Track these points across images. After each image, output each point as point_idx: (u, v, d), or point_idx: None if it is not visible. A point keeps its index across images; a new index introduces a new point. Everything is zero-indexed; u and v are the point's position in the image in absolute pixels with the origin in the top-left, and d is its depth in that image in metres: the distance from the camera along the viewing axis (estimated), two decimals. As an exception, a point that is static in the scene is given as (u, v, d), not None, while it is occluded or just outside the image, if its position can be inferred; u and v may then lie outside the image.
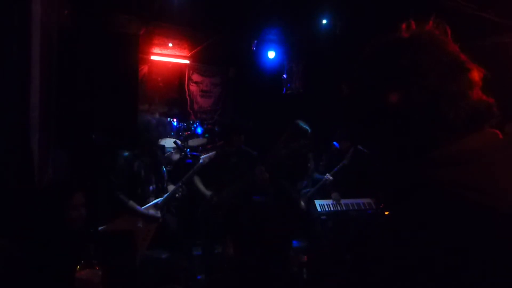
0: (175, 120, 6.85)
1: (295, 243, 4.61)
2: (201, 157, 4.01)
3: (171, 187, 3.86)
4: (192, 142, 6.49)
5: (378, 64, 0.94)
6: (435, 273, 0.70)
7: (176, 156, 5.54)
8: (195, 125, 6.89)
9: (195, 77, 8.28)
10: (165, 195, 3.74)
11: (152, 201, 3.68)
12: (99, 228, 3.25)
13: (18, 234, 2.18)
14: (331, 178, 4.78)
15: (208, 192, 4.22)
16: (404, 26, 0.94)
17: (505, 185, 0.77)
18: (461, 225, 0.72)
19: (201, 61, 8.19)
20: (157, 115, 6.40)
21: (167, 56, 7.70)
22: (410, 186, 0.82)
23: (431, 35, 0.90)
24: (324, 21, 5.71)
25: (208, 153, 4.23)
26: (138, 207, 3.54)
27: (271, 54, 7.32)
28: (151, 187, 3.71)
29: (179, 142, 5.69)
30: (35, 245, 2.15)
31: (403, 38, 0.93)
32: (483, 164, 0.79)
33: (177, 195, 3.78)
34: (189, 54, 7.84)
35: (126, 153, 3.57)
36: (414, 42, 0.90)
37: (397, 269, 0.73)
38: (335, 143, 5.03)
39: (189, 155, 5.75)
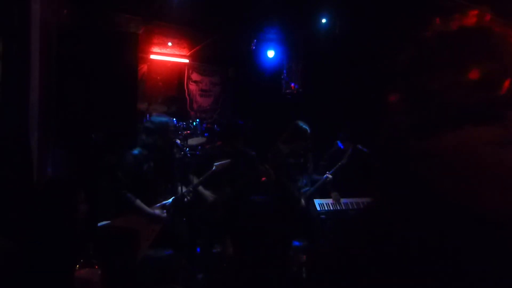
0: (174, 119, 6.84)
1: (294, 243, 4.61)
2: (215, 164, 3.98)
3: (179, 188, 3.84)
4: (192, 141, 6.49)
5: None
6: (420, 271, 0.71)
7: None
8: (194, 124, 6.89)
9: (195, 76, 8.27)
10: (173, 198, 3.73)
11: (161, 201, 3.66)
12: (99, 225, 3.24)
13: (17, 233, 2.18)
14: (331, 176, 4.78)
15: (206, 192, 4.23)
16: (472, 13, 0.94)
17: (491, 183, 0.77)
18: (449, 226, 0.73)
19: (200, 60, 8.18)
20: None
21: (166, 55, 7.69)
22: (403, 184, 0.83)
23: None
24: (324, 21, 5.72)
25: (207, 152, 4.23)
26: (144, 206, 3.52)
27: (271, 54, 7.32)
28: (160, 188, 3.70)
29: (178, 141, 5.69)
30: (34, 244, 2.15)
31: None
32: (470, 162, 0.79)
33: (185, 199, 3.76)
34: (188, 53, 7.84)
35: (136, 152, 3.56)
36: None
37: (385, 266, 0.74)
38: (338, 142, 5.03)
39: (189, 154, 5.74)
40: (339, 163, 4.79)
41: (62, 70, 3.51)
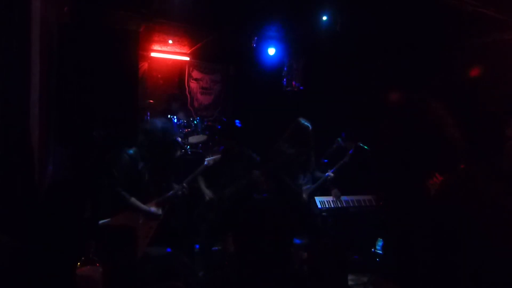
0: (175, 117, 6.83)
1: (295, 240, 4.61)
2: (206, 159, 4.01)
3: (174, 186, 3.86)
4: (192, 139, 6.49)
5: None
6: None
7: (176, 153, 5.54)
8: (195, 122, 6.88)
9: (195, 74, 8.26)
10: (167, 194, 3.74)
11: (154, 199, 3.68)
12: (100, 223, 3.24)
13: (18, 230, 2.18)
14: (332, 175, 4.78)
15: (206, 190, 4.26)
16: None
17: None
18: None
19: (201, 58, 8.17)
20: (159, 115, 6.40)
21: (167, 53, 7.69)
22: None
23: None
24: (325, 18, 5.70)
25: (210, 152, 4.26)
26: (140, 203, 3.54)
27: (271, 51, 7.30)
28: (154, 187, 3.70)
29: (179, 139, 5.69)
30: (35, 241, 2.15)
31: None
32: None
33: (179, 193, 3.78)
34: (189, 51, 7.83)
35: (131, 151, 3.57)
36: None
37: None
38: (339, 139, 5.04)
39: (189, 152, 5.75)
40: (341, 161, 4.80)
41: (63, 67, 3.51)
